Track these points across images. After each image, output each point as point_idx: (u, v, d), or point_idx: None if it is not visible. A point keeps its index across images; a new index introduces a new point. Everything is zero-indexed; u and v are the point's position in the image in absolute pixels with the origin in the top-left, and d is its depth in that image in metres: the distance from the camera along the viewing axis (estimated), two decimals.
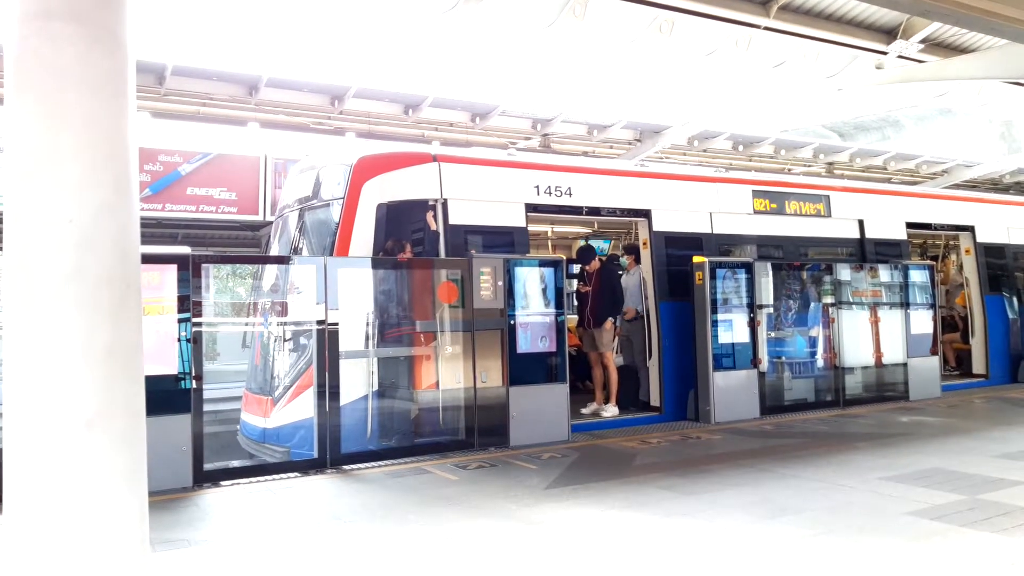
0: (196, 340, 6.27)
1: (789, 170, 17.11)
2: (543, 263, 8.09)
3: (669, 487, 5.89)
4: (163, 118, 12.05)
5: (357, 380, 7.13)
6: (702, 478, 6.21)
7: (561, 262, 8.19)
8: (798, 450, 7.30)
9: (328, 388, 6.73)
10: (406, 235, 7.68)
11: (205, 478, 6.22)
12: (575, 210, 9.01)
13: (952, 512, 5.03)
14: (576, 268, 10.89)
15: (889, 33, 10.83)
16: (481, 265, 7.54)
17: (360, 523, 5.16)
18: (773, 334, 9.78)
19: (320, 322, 6.79)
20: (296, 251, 8.43)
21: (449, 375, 7.52)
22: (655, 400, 9.20)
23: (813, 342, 10.28)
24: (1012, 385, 12.13)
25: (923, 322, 10.95)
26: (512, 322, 7.64)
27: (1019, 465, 6.41)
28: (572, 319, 9.85)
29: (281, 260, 8.46)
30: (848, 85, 11.65)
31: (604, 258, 10.43)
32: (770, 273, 9.72)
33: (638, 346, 9.44)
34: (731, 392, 9.05)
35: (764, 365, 9.42)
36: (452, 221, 7.90)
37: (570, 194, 8.77)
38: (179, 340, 6.19)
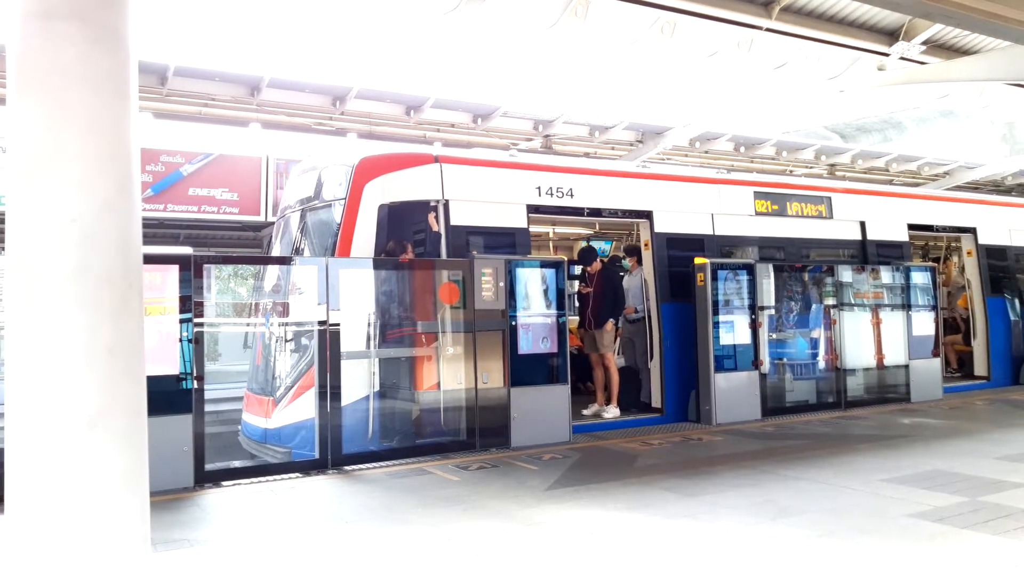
0: (198, 340, 6.28)
1: (791, 171, 17.12)
2: (544, 264, 8.10)
3: (671, 488, 5.89)
4: (165, 118, 12.09)
5: (358, 381, 7.12)
6: (704, 479, 6.21)
7: (562, 263, 8.18)
8: (800, 452, 7.30)
9: (329, 389, 6.73)
10: (408, 236, 7.68)
11: (206, 478, 6.22)
12: (576, 211, 9.02)
13: (953, 514, 5.02)
14: (577, 269, 10.88)
15: (891, 35, 10.83)
16: (482, 266, 7.54)
17: (361, 524, 5.15)
18: (774, 335, 9.78)
19: (322, 323, 6.78)
20: (298, 252, 8.43)
21: (450, 376, 7.52)
22: (656, 401, 9.19)
23: (815, 344, 10.26)
24: (1014, 387, 12.10)
25: (925, 324, 10.93)
26: (513, 323, 7.64)
27: (1021, 467, 6.40)
28: (573, 320, 9.84)
29: (283, 261, 8.46)
30: (850, 87, 11.66)
31: (606, 260, 10.43)
32: (772, 274, 9.70)
33: (640, 347, 9.43)
34: (732, 394, 9.04)
35: (766, 367, 9.42)
36: (454, 222, 7.90)
37: (571, 195, 8.77)
38: (181, 340, 6.20)
